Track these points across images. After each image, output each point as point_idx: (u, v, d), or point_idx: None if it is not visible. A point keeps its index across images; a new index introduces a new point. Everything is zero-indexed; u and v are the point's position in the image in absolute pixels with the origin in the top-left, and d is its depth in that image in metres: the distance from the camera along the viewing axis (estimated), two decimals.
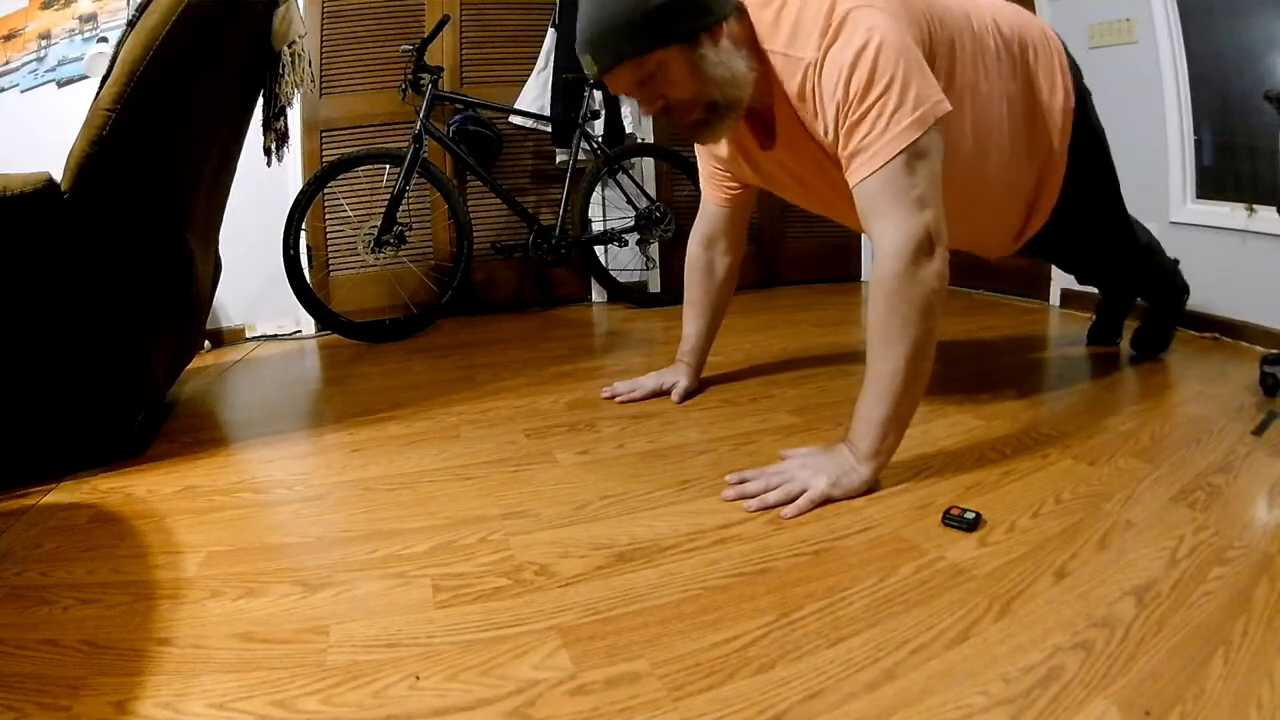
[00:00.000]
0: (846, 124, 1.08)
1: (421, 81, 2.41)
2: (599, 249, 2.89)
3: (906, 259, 1.05)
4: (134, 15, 1.34)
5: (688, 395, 1.63)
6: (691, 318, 1.65)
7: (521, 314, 2.85)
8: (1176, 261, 1.90)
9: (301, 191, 2.33)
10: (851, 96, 1.06)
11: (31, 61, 2.47)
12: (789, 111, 1.19)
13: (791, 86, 1.15)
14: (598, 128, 2.81)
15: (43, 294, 1.23)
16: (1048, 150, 1.38)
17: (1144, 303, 1.90)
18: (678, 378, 1.65)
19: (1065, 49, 1.42)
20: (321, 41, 2.64)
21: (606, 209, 2.91)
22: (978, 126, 1.26)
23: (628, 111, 2.91)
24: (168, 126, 1.31)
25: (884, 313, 1.07)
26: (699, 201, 1.62)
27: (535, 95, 2.78)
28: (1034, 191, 1.43)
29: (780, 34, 1.15)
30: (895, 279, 1.05)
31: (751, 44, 1.17)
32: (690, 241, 1.63)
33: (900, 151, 1.05)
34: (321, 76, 2.63)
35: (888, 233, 1.07)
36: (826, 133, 1.13)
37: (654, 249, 3.04)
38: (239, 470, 1.36)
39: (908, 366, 1.07)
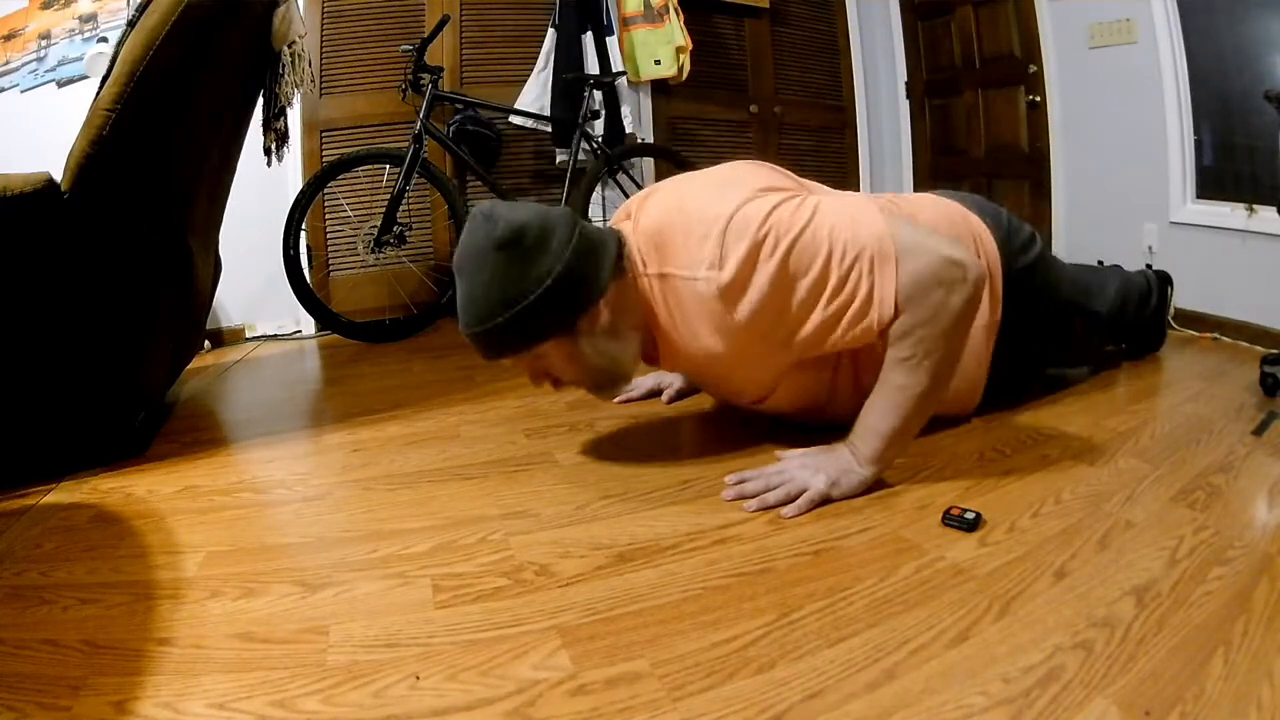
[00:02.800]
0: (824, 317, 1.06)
1: (421, 81, 2.41)
2: None
3: (932, 290, 1.03)
4: (134, 15, 1.34)
5: (680, 396, 1.63)
6: None
7: None
8: (1148, 268, 1.88)
9: (301, 191, 2.33)
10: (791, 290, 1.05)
11: (31, 61, 2.47)
12: (667, 337, 1.17)
13: (689, 309, 1.11)
14: (598, 128, 2.81)
15: (43, 294, 1.23)
16: (974, 353, 1.32)
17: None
18: (674, 378, 1.65)
19: (999, 226, 1.37)
20: (321, 41, 2.64)
21: (606, 209, 2.91)
22: None
23: (627, 111, 2.91)
24: (168, 126, 1.31)
25: (908, 343, 1.05)
26: None
27: (535, 95, 2.78)
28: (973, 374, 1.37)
29: (665, 252, 1.12)
30: (921, 310, 1.03)
31: (631, 297, 1.14)
32: None
33: (891, 294, 1.03)
34: (321, 76, 2.63)
35: (905, 291, 1.04)
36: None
37: None
38: (239, 470, 1.36)
39: (926, 388, 1.06)
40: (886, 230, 1.05)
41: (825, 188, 1.27)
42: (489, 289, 1.05)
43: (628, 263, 1.13)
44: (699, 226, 1.07)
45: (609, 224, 1.23)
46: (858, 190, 3.38)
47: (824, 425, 1.27)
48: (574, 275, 1.06)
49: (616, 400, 1.63)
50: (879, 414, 1.10)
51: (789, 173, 1.23)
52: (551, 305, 1.05)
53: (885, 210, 1.14)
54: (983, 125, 3.08)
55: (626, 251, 1.14)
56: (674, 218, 1.12)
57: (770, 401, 1.30)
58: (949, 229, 1.29)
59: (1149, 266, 1.91)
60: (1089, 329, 1.61)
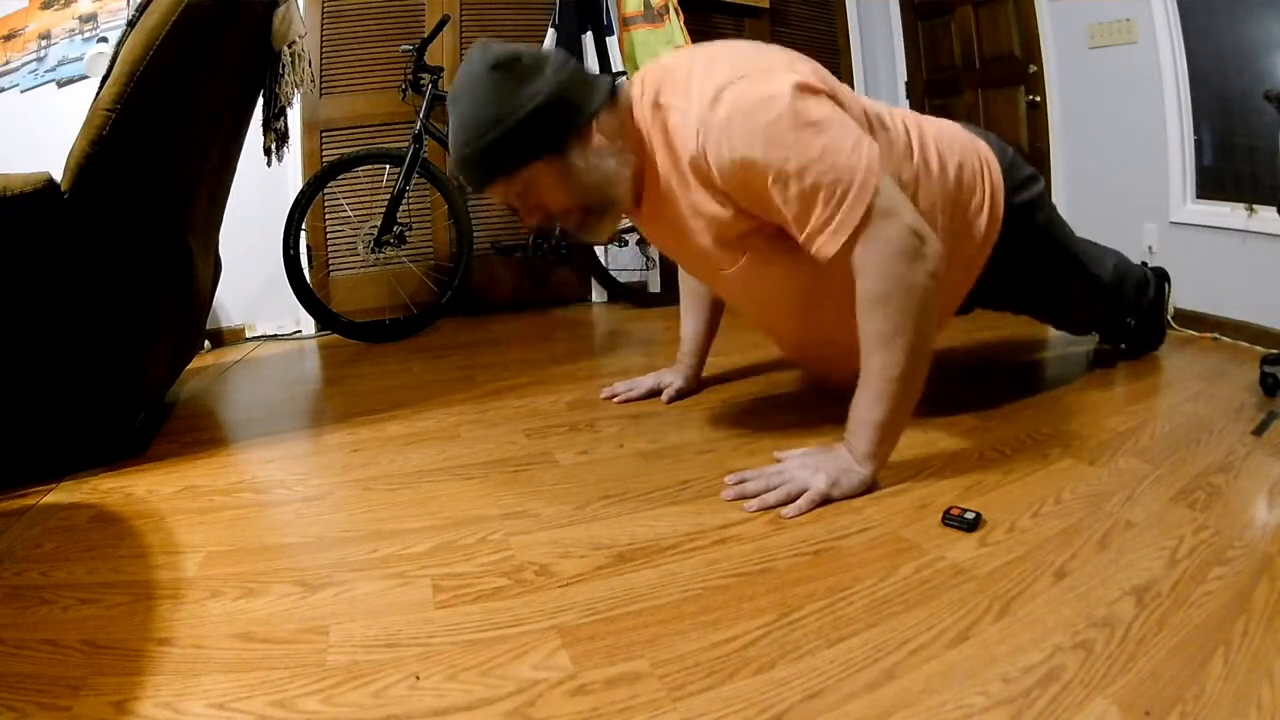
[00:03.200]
0: (785, 198, 1.05)
1: (421, 81, 2.41)
2: (599, 249, 2.89)
3: (895, 262, 1.03)
4: (134, 15, 1.34)
5: (680, 395, 1.63)
6: (688, 319, 1.65)
7: (521, 314, 2.85)
8: (1144, 265, 1.89)
9: (301, 191, 2.33)
10: (781, 170, 1.03)
11: (31, 61, 2.47)
12: (655, 175, 1.17)
13: (676, 143, 1.11)
14: None
15: (43, 294, 1.23)
16: (964, 260, 1.33)
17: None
18: (674, 378, 1.65)
19: (1004, 157, 1.38)
20: (321, 41, 2.64)
21: None
22: None
23: None
24: (168, 126, 1.31)
25: (878, 314, 1.05)
26: None
27: None
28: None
29: (668, 84, 1.13)
30: (887, 281, 1.03)
31: (626, 125, 1.15)
32: None
33: (857, 227, 1.03)
34: (321, 76, 2.63)
35: (869, 249, 1.04)
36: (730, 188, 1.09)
37: (654, 249, 3.04)
38: (239, 470, 1.36)
39: (905, 368, 1.06)
40: (876, 180, 1.04)
41: (857, 97, 1.25)
42: (481, 109, 1.07)
43: (623, 100, 1.15)
44: (710, 72, 1.08)
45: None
46: None
47: (833, 420, 1.26)
48: (565, 96, 1.08)
49: (616, 400, 1.63)
50: (866, 405, 1.10)
51: (830, 77, 1.19)
52: (542, 121, 1.07)
53: (899, 120, 1.20)
54: (983, 125, 3.06)
55: (626, 89, 1.16)
56: (688, 61, 1.14)
57: (740, 285, 1.28)
58: (955, 140, 1.31)
59: (1144, 264, 1.91)
60: (1088, 292, 1.61)
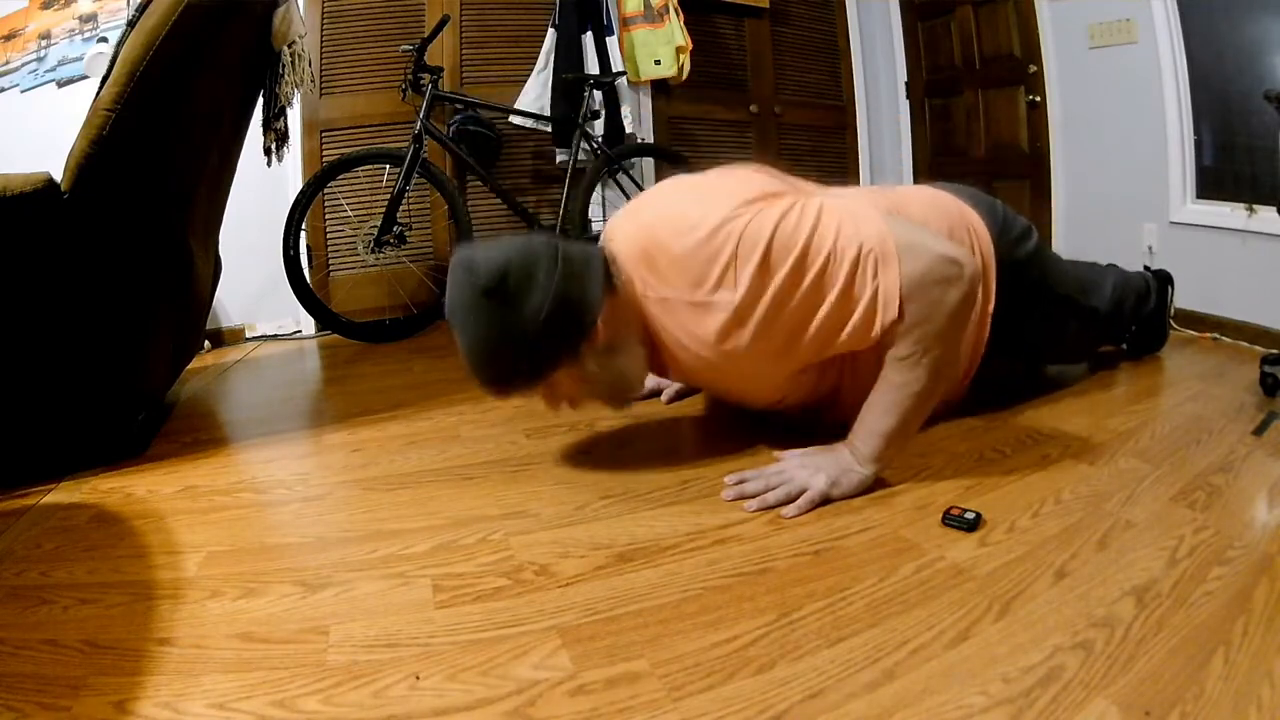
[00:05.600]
0: (828, 310, 1.05)
1: (421, 81, 2.41)
2: None
3: (929, 289, 1.03)
4: (134, 15, 1.34)
5: (680, 396, 1.63)
6: None
7: None
8: (1146, 269, 1.88)
9: (301, 191, 2.33)
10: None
11: (31, 61, 2.47)
12: (675, 353, 1.17)
13: (695, 329, 1.11)
14: (598, 128, 2.81)
15: (43, 294, 1.23)
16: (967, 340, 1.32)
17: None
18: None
19: (994, 219, 1.36)
20: (321, 41, 2.64)
21: (606, 209, 2.91)
22: None
23: (627, 111, 2.91)
24: (168, 126, 1.31)
25: (908, 339, 1.04)
26: None
27: (535, 95, 2.78)
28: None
29: (660, 272, 1.11)
30: (920, 310, 1.03)
31: (630, 314, 1.14)
32: None
33: (896, 295, 1.03)
34: (321, 76, 2.63)
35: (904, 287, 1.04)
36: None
37: None
38: (239, 470, 1.36)
39: (925, 385, 1.06)
40: (887, 230, 1.05)
41: (818, 186, 1.26)
42: (486, 338, 1.06)
43: (618, 280, 1.12)
44: (702, 245, 1.06)
45: (601, 240, 1.22)
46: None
47: (831, 425, 1.27)
48: (566, 303, 1.05)
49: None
50: (878, 414, 1.10)
51: (779, 173, 1.22)
52: (550, 338, 1.05)
53: (881, 206, 1.14)
54: (983, 125, 3.08)
55: (615, 268, 1.13)
56: (669, 236, 1.10)
57: (782, 405, 1.31)
58: (943, 221, 1.29)
59: (1147, 268, 1.91)
60: (1085, 327, 1.61)
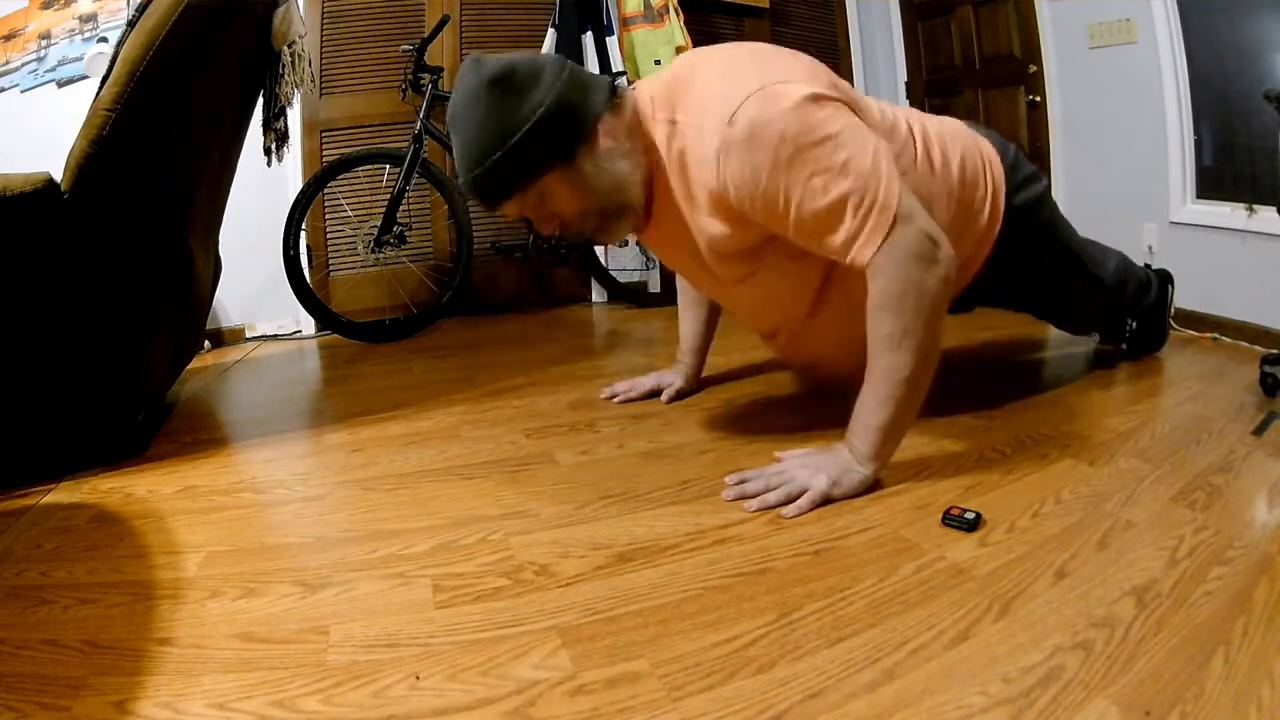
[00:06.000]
0: (812, 213, 1.04)
1: (421, 81, 2.41)
2: (599, 249, 2.89)
3: (910, 265, 1.03)
4: (134, 15, 1.34)
5: (680, 396, 1.63)
6: (687, 319, 1.65)
7: (521, 314, 2.85)
8: (1147, 267, 1.89)
9: (301, 191, 2.33)
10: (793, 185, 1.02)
11: (31, 61, 2.47)
12: (666, 188, 1.16)
13: (692, 169, 1.10)
14: None
15: (43, 294, 1.23)
16: (965, 254, 1.31)
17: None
18: (674, 378, 1.65)
19: (1006, 155, 1.37)
20: (321, 41, 2.64)
21: None
22: None
23: None
24: (168, 126, 1.31)
25: (889, 316, 1.04)
26: None
27: None
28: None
29: (680, 100, 1.11)
30: (900, 283, 1.03)
31: (635, 128, 1.14)
32: None
33: (884, 239, 1.02)
34: (321, 76, 2.63)
35: (887, 252, 1.03)
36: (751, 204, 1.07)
37: None
38: (239, 470, 1.36)
39: (912, 370, 1.06)
40: (898, 186, 1.04)
41: (870, 100, 1.25)
42: (484, 127, 1.05)
43: (624, 100, 1.13)
44: (725, 83, 1.06)
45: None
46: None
47: (832, 422, 1.26)
48: (567, 103, 1.06)
49: (617, 400, 1.63)
50: (870, 408, 1.10)
51: (840, 81, 1.18)
52: (548, 132, 1.05)
53: (905, 121, 1.20)
54: (983, 125, 3.07)
55: (624, 92, 1.14)
56: (697, 69, 1.11)
57: (745, 296, 1.28)
58: (957, 139, 1.31)
59: (1147, 267, 1.91)
60: (1090, 291, 1.61)
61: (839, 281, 1.21)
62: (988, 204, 1.31)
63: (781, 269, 1.20)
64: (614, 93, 1.13)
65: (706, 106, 1.07)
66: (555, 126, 1.06)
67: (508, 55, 1.08)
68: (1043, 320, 1.79)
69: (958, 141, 1.31)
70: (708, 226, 1.14)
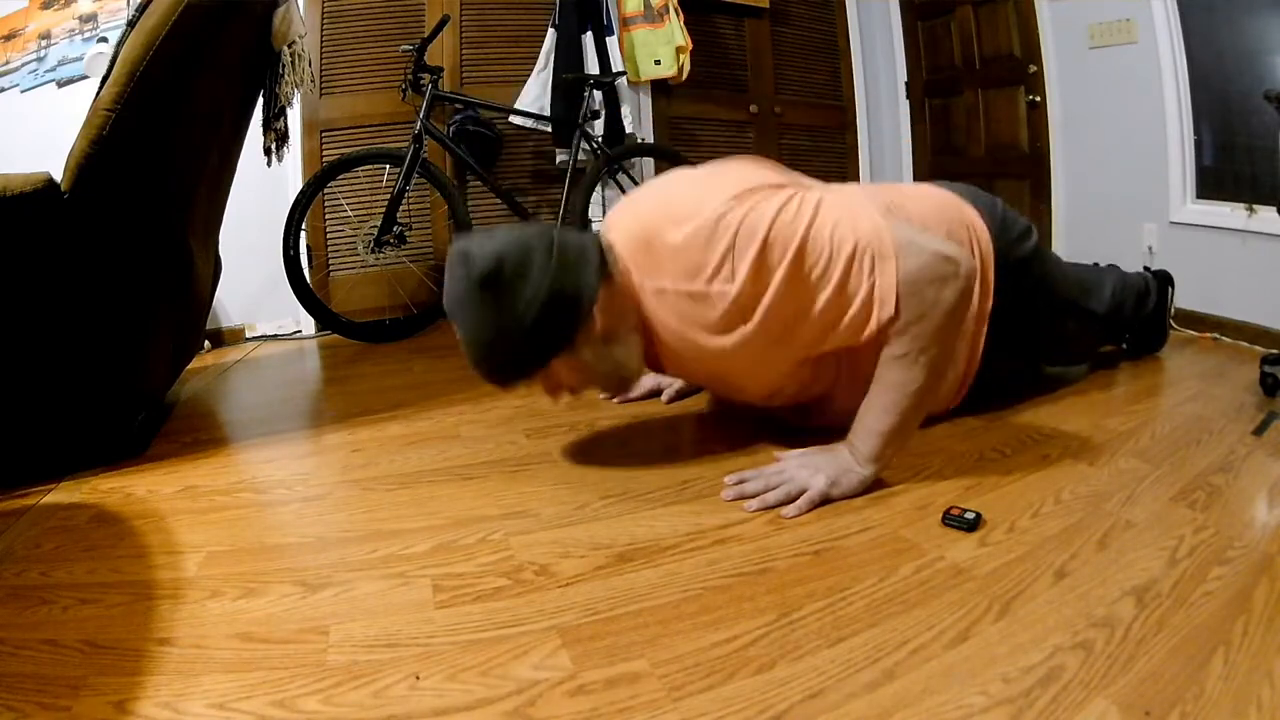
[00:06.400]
0: (825, 301, 1.06)
1: (421, 81, 2.41)
2: None
3: (925, 289, 1.03)
4: (134, 15, 1.34)
5: (680, 396, 1.63)
6: None
7: None
8: (1146, 269, 1.89)
9: (301, 191, 2.32)
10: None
11: (31, 61, 2.47)
12: (666, 342, 1.17)
13: (698, 330, 1.11)
14: (598, 128, 2.81)
15: (43, 294, 1.23)
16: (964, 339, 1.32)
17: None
18: (674, 379, 1.65)
19: (994, 218, 1.36)
20: (321, 41, 2.64)
21: (606, 209, 2.91)
22: None
23: (627, 111, 2.91)
24: (168, 126, 1.31)
25: (904, 339, 1.04)
26: None
27: (535, 95, 2.78)
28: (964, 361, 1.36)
29: (653, 266, 1.11)
30: (916, 308, 1.03)
31: (627, 292, 1.13)
32: None
33: (892, 292, 1.03)
34: (321, 76, 2.63)
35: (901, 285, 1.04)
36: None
37: None
38: (239, 470, 1.36)
39: (923, 384, 1.06)
40: (885, 227, 1.05)
41: (818, 182, 1.26)
42: (482, 328, 1.07)
43: (615, 270, 1.12)
44: (699, 234, 1.06)
45: (600, 230, 1.22)
46: None
47: (826, 428, 1.27)
48: (561, 293, 1.06)
49: (617, 400, 1.63)
50: (876, 413, 1.10)
51: (778, 166, 1.22)
52: (546, 328, 1.06)
53: (880, 204, 1.14)
54: (983, 125, 3.08)
55: (611, 257, 1.13)
56: (666, 225, 1.09)
57: (775, 400, 1.30)
58: (941, 218, 1.29)
59: (1147, 268, 1.91)
60: (1084, 328, 1.61)
61: (849, 359, 1.22)
62: (977, 284, 1.27)
63: (800, 377, 1.23)
64: (604, 264, 1.11)
65: (690, 264, 1.07)
66: (552, 320, 1.06)
67: (495, 241, 1.06)
68: (1039, 365, 1.71)
69: (940, 223, 1.28)
70: (726, 367, 1.18)
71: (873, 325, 1.05)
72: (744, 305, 1.06)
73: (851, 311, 1.05)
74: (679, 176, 1.21)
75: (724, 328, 1.09)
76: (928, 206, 1.30)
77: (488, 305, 1.05)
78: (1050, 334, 1.54)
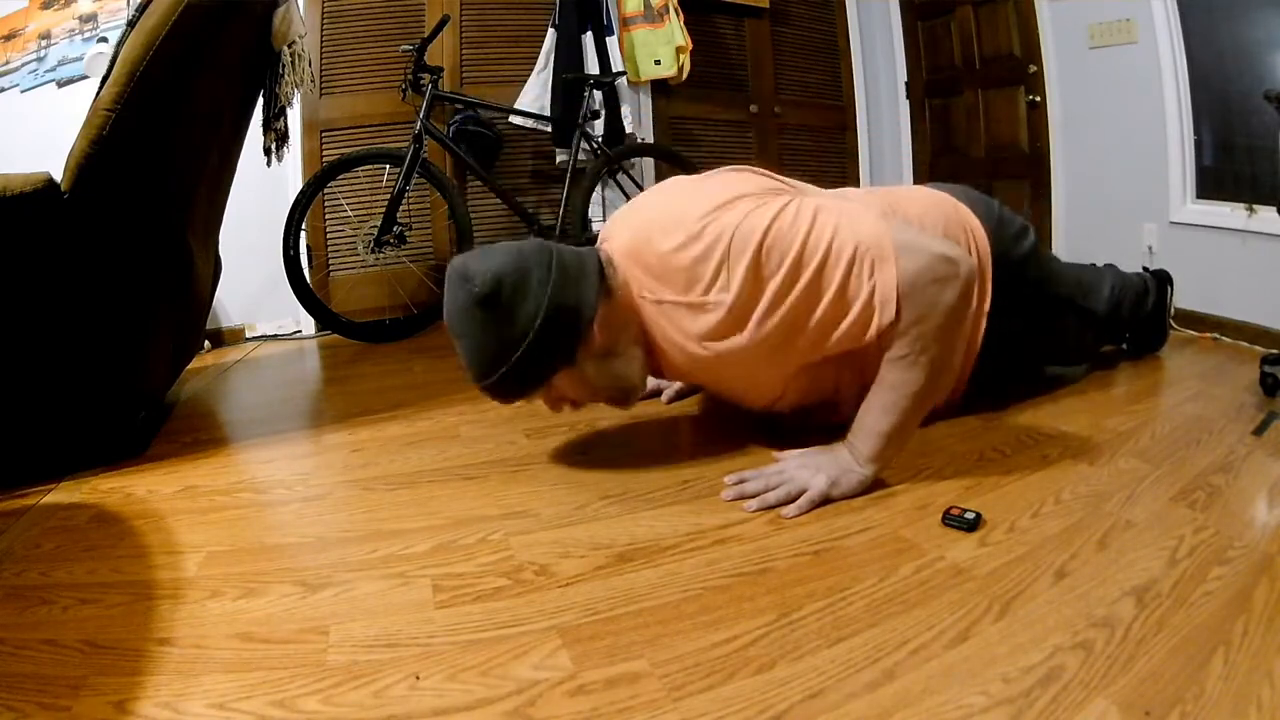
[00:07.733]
0: (825, 308, 1.05)
1: (421, 81, 2.41)
2: None
3: (925, 290, 1.03)
4: (134, 15, 1.34)
5: (680, 396, 1.63)
6: None
7: None
8: (1145, 269, 1.89)
9: (301, 191, 2.33)
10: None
11: (31, 61, 2.47)
12: (667, 352, 1.18)
13: (692, 342, 1.11)
14: (598, 128, 2.81)
15: (43, 294, 1.23)
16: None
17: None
18: (674, 380, 1.64)
19: (991, 218, 1.36)
20: (321, 41, 2.64)
21: (606, 209, 2.91)
22: None
23: (627, 111, 2.91)
24: (168, 126, 1.31)
25: (905, 339, 1.04)
26: None
27: (535, 95, 2.78)
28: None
29: (651, 278, 1.12)
30: (917, 309, 1.03)
31: (627, 306, 1.14)
32: None
33: (893, 295, 1.03)
34: (321, 76, 2.63)
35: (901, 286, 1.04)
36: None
37: None
38: (239, 470, 1.36)
39: (924, 385, 1.06)
40: (884, 229, 1.05)
41: (813, 188, 1.26)
42: (483, 346, 1.07)
43: (614, 283, 1.13)
44: (694, 246, 1.06)
45: (599, 242, 1.22)
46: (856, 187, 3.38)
47: (830, 427, 1.26)
48: (560, 310, 1.06)
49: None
50: (877, 414, 1.10)
51: (774, 174, 1.21)
52: (546, 344, 1.06)
53: (877, 207, 1.14)
54: (983, 125, 3.08)
55: (611, 270, 1.13)
56: (660, 236, 1.10)
57: (779, 405, 1.30)
58: (939, 220, 1.29)
59: (1146, 268, 1.91)
60: (1083, 328, 1.61)
61: (852, 361, 1.21)
62: (975, 285, 1.28)
63: (802, 381, 1.23)
64: (604, 278, 1.11)
65: (688, 276, 1.07)
66: (552, 338, 1.06)
67: (494, 260, 1.07)
68: (1038, 365, 1.69)
69: (938, 223, 1.28)
70: (728, 375, 1.19)
71: (873, 330, 1.05)
72: (741, 312, 1.06)
73: (852, 316, 1.05)
74: (675, 185, 1.21)
75: (722, 336, 1.09)
76: (924, 208, 1.30)
77: (488, 325, 1.06)
78: (1049, 333, 1.54)
